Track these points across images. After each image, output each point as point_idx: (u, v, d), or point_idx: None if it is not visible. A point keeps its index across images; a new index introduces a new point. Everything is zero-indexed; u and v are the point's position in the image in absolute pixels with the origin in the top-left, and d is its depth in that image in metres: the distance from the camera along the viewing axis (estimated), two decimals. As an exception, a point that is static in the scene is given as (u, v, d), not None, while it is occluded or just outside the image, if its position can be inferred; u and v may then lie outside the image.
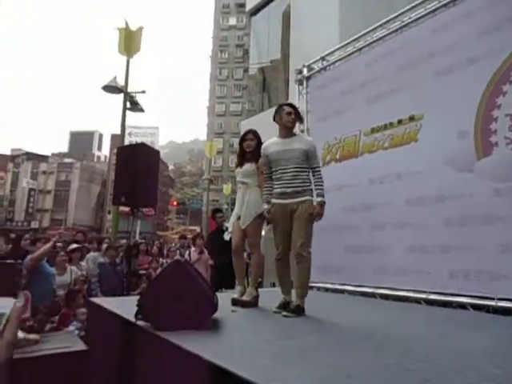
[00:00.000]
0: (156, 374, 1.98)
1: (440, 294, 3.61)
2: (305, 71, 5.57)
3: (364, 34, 4.81)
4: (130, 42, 9.42)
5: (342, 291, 4.59)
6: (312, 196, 2.99)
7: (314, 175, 3.04)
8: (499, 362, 1.77)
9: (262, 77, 11.29)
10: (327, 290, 4.82)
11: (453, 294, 3.52)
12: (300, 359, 1.70)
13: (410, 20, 4.32)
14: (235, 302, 3.12)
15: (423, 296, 3.71)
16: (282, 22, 10.11)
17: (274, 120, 3.18)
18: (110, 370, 2.46)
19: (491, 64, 3.50)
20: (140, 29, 9.72)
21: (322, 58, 5.37)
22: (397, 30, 4.45)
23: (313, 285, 5.00)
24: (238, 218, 3.29)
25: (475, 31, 3.67)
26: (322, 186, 3.01)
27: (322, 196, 2.96)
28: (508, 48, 3.41)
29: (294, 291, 3.02)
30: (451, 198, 3.65)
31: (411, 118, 4.11)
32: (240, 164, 3.39)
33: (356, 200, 4.52)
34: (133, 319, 2.19)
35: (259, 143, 3.33)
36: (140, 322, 2.18)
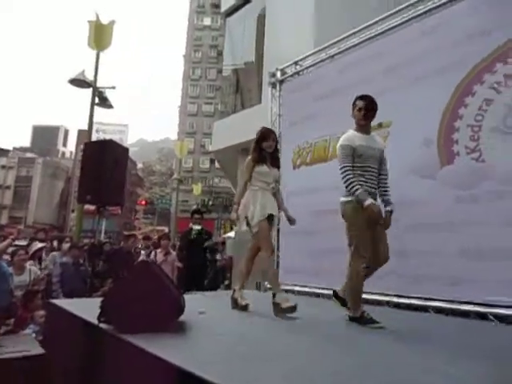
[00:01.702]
0: (119, 378, 1.91)
1: (404, 297, 3.72)
2: (278, 75, 5.61)
3: (337, 42, 4.91)
4: (100, 35, 9.15)
5: (308, 293, 4.64)
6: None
7: (384, 180, 2.97)
8: (461, 364, 1.84)
9: (236, 78, 11.27)
10: (293, 292, 4.85)
11: (417, 298, 3.63)
12: (270, 362, 1.69)
13: (381, 30, 4.45)
14: (282, 310, 2.86)
15: (387, 299, 3.82)
16: (257, 24, 10.14)
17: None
18: (70, 375, 2.36)
19: (456, 76, 3.66)
20: (112, 23, 9.47)
21: (296, 63, 5.43)
22: (368, 39, 4.57)
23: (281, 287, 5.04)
24: (265, 219, 3.11)
25: (442, 44, 3.82)
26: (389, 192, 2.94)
27: (391, 204, 2.91)
28: (472, 61, 3.58)
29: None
30: (415, 204, 3.77)
31: (379, 125, 4.22)
32: (261, 161, 3.25)
33: (325, 204, 4.58)
34: (95, 321, 2.11)
35: (277, 147, 3.42)
36: (103, 325, 2.10)
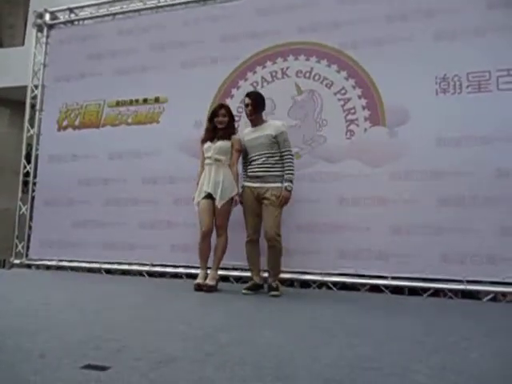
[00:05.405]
0: None
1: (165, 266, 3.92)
2: (47, 17, 4.79)
3: (119, 0, 4.59)
4: None
5: (66, 268, 4.28)
6: (281, 182, 3.05)
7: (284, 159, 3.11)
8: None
9: (-8, 6, 8.95)
10: (48, 267, 4.38)
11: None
12: None
13: (165, 3, 4.42)
14: (200, 287, 3.02)
15: (146, 268, 3.96)
16: None
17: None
18: None
19: (227, 67, 4.01)
20: None
21: (70, 10, 4.77)
22: (152, 8, 4.47)
23: (33, 263, 4.45)
24: (208, 197, 3.14)
25: (219, 35, 4.10)
26: (292, 170, 3.06)
27: (291, 181, 3.04)
28: (242, 57, 3.99)
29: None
30: (182, 180, 3.97)
31: (156, 100, 4.23)
32: (210, 139, 3.24)
33: (92, 173, 4.30)
34: None
35: (232, 120, 3.29)
36: None
